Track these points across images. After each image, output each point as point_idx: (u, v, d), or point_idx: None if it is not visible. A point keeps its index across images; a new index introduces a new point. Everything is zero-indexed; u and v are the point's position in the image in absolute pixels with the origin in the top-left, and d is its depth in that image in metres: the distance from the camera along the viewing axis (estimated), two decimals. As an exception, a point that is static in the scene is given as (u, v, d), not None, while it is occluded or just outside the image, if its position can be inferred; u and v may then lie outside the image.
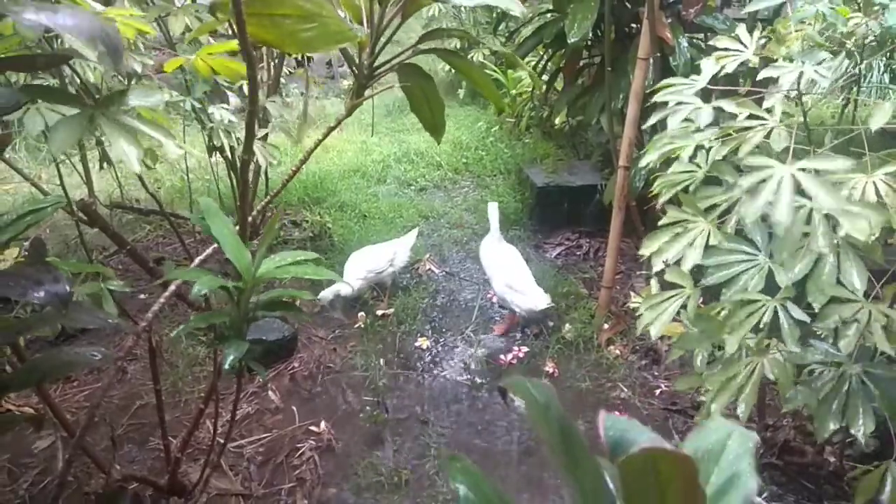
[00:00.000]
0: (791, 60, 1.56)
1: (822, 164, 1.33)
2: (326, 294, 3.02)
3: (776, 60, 1.60)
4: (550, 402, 0.77)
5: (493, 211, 3.10)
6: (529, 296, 2.86)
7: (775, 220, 1.25)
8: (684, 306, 1.68)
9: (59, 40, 2.38)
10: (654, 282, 2.11)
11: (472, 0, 1.37)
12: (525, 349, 2.86)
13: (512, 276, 2.94)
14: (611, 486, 0.73)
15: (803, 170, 1.28)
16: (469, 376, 2.72)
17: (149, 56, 2.82)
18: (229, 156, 3.10)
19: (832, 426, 1.52)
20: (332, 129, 1.47)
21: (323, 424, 2.40)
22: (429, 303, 3.24)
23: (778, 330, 1.50)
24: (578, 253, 3.69)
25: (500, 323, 3.09)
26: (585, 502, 0.69)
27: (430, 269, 3.50)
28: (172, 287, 1.46)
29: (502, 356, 2.82)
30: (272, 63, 3.28)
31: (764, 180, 1.29)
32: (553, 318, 3.06)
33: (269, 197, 1.87)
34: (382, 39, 1.38)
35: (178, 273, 1.39)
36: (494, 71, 5.51)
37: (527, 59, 4.36)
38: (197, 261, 1.46)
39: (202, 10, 2.49)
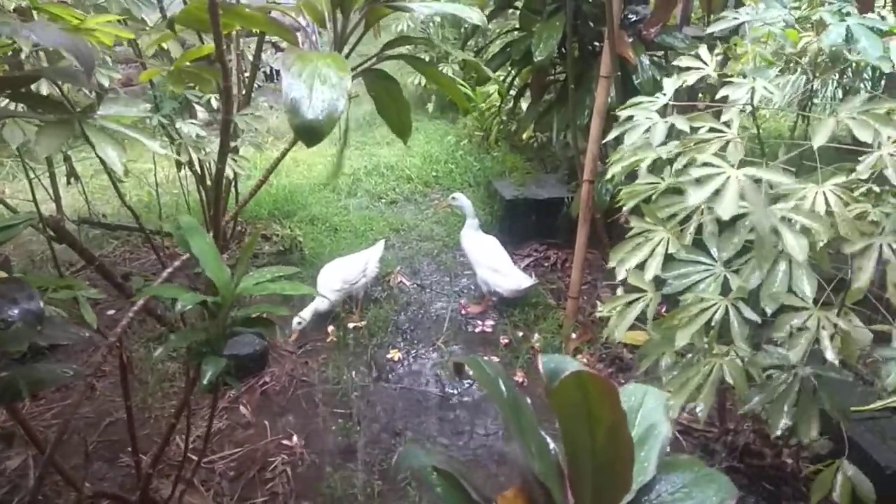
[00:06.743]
0: (744, 77, 1.65)
1: (768, 175, 1.42)
2: (305, 315, 2.97)
3: (731, 77, 1.69)
4: (500, 375, 0.88)
5: (463, 201, 3.36)
6: (512, 277, 3.17)
7: (719, 213, 1.35)
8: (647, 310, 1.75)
9: (34, 54, 2.37)
10: (620, 290, 2.18)
11: (432, 8, 1.42)
12: (495, 359, 2.91)
13: (495, 260, 3.22)
14: (550, 444, 0.84)
15: (751, 177, 1.38)
16: (440, 387, 2.76)
17: (115, 70, 2.82)
18: (198, 170, 3.11)
19: (783, 422, 1.60)
20: (296, 140, 1.50)
21: (295, 438, 2.42)
22: (400, 315, 3.27)
23: (728, 329, 1.57)
24: (546, 264, 3.75)
25: (475, 304, 3.33)
26: (532, 455, 0.81)
27: (401, 281, 3.53)
28: (140, 302, 1.47)
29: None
30: (243, 77, 3.30)
31: (712, 175, 1.40)
32: (522, 328, 3.12)
33: (237, 208, 1.89)
34: (346, 48, 1.41)
35: (154, 290, 1.40)
36: (463, 86, 5.58)
37: (496, 75, 4.44)
38: (164, 274, 1.47)
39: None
